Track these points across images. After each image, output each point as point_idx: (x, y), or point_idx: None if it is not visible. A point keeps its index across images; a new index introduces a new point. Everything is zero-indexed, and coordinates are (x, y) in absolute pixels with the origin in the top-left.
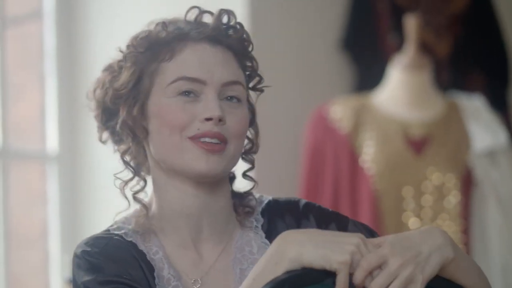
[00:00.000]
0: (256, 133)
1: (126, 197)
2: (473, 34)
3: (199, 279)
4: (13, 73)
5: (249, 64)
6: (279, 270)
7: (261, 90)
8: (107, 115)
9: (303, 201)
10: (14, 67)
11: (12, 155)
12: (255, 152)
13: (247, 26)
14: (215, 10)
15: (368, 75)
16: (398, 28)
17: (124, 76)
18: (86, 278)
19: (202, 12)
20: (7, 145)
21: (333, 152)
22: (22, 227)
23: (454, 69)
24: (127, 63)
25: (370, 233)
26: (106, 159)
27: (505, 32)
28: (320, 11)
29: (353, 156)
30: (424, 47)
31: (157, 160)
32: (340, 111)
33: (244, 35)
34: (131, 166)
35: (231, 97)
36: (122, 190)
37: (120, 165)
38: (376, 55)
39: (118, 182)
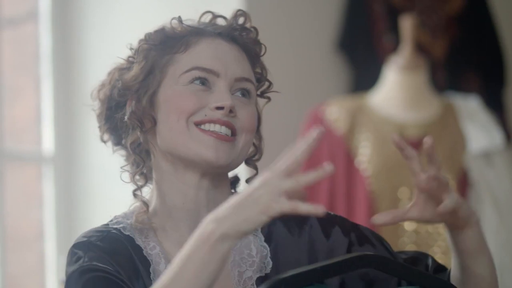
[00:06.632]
0: (260, 139)
1: (136, 184)
2: (469, 35)
3: None
4: (8, 74)
5: (258, 70)
6: (213, 253)
7: (268, 98)
8: (111, 111)
9: None
10: (10, 68)
11: (8, 156)
12: (258, 159)
13: None
14: (211, 9)
15: (364, 76)
16: (394, 29)
17: (135, 70)
18: (70, 269)
19: (215, 16)
20: (3, 147)
21: (329, 153)
22: (18, 228)
23: (450, 70)
24: (139, 57)
25: (376, 237)
26: (101, 160)
27: (500, 32)
28: (316, 12)
29: (349, 157)
30: (420, 48)
31: (163, 152)
32: (336, 112)
33: (259, 39)
34: (139, 155)
35: (243, 92)
36: (133, 180)
37: (116, 166)
38: (372, 56)
39: (124, 176)
